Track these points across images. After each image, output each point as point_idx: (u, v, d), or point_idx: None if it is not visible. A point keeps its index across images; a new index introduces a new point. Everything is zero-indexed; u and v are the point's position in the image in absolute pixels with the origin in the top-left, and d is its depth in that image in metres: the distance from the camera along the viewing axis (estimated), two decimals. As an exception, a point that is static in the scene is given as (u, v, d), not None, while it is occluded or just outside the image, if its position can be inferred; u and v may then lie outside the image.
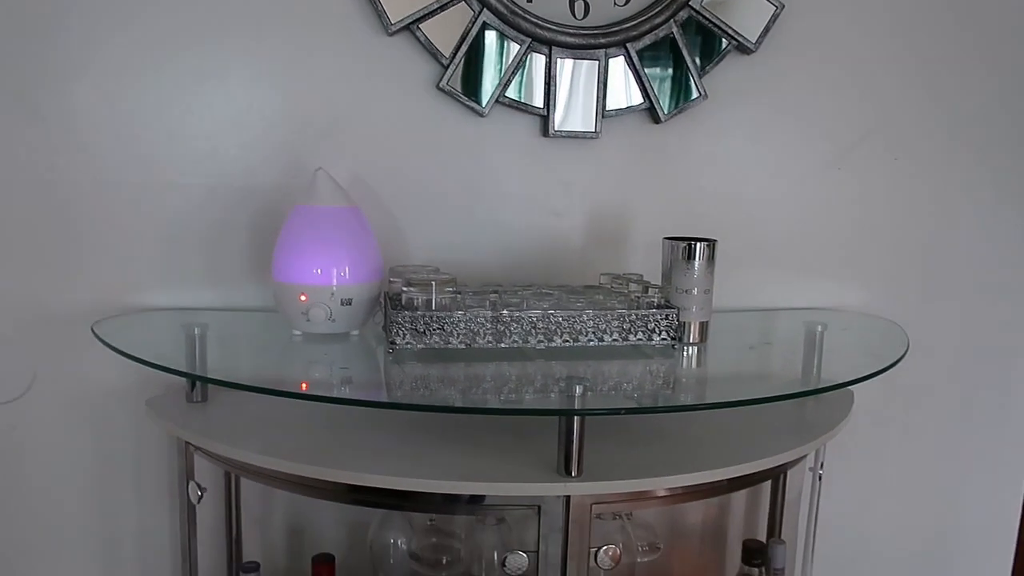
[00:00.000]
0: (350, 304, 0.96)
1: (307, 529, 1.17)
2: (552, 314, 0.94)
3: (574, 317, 0.94)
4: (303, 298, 0.95)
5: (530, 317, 0.93)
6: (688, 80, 1.19)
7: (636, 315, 0.96)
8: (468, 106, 1.13)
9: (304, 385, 0.90)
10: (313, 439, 0.88)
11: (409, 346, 0.91)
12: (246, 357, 0.98)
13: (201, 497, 0.99)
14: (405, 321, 0.90)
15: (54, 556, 1.15)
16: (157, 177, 1.09)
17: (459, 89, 1.13)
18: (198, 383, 0.97)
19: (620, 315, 0.96)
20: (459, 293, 0.96)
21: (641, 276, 1.09)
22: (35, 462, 1.12)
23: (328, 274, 0.95)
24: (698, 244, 1.01)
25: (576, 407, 0.78)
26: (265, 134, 1.11)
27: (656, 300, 0.99)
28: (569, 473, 0.80)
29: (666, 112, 1.19)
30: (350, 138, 1.13)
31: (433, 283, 0.93)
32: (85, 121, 1.06)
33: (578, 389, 0.79)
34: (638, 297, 1.01)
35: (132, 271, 1.11)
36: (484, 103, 1.13)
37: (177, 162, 1.09)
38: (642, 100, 1.18)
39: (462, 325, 0.92)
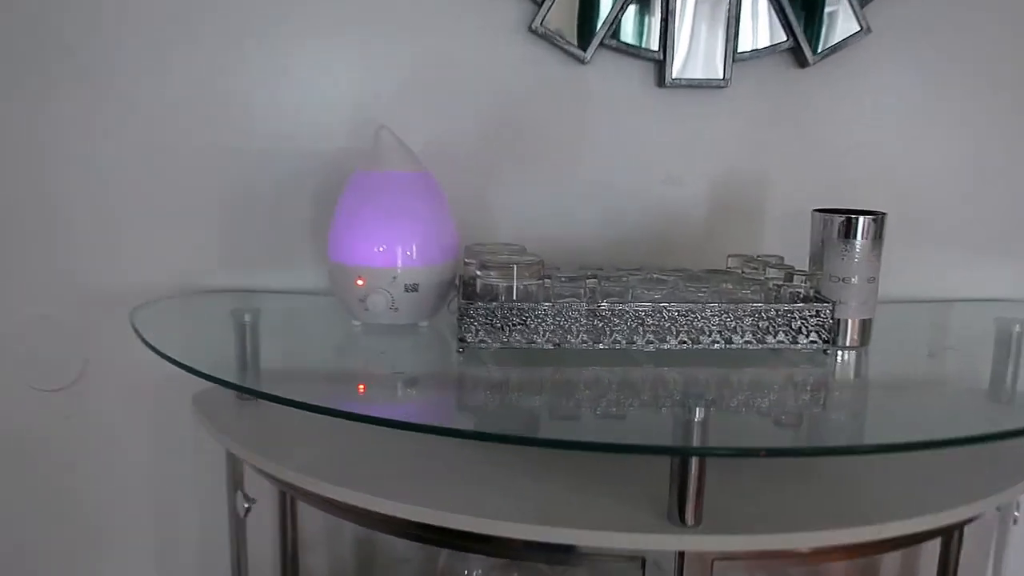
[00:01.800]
0: (416, 290, 0.79)
1: (375, 543, 1.03)
2: (666, 308, 0.73)
3: (694, 312, 0.74)
4: (360, 282, 0.79)
5: (636, 311, 0.73)
6: (845, 10, 0.94)
7: (776, 311, 0.74)
8: (567, 51, 0.93)
9: (361, 388, 0.75)
10: (372, 455, 0.72)
11: (484, 345, 0.73)
12: (295, 352, 0.83)
13: (248, 510, 0.86)
14: (478, 313, 0.73)
15: (107, 551, 1.06)
16: (215, 141, 0.96)
17: (556, 30, 0.93)
18: (247, 375, 0.83)
19: (755, 310, 0.74)
20: (547, 279, 0.77)
21: (782, 259, 0.86)
22: (89, 454, 1.03)
23: (390, 254, 0.79)
24: (860, 219, 0.77)
25: (695, 440, 0.58)
26: (331, 89, 0.95)
27: (803, 291, 0.77)
28: (684, 521, 0.60)
29: (815, 52, 0.94)
30: (426, 93, 0.96)
31: (515, 266, 0.74)
32: (135, 81, 0.94)
33: (699, 412, 0.59)
34: (778, 286, 0.79)
35: (188, 248, 0.98)
36: (587, 47, 0.93)
37: (236, 124, 0.96)
38: (784, 38, 0.94)
39: (549, 320, 0.73)
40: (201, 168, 0.97)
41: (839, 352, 0.79)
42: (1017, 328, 0.82)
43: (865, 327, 0.79)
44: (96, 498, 1.04)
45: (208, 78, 0.94)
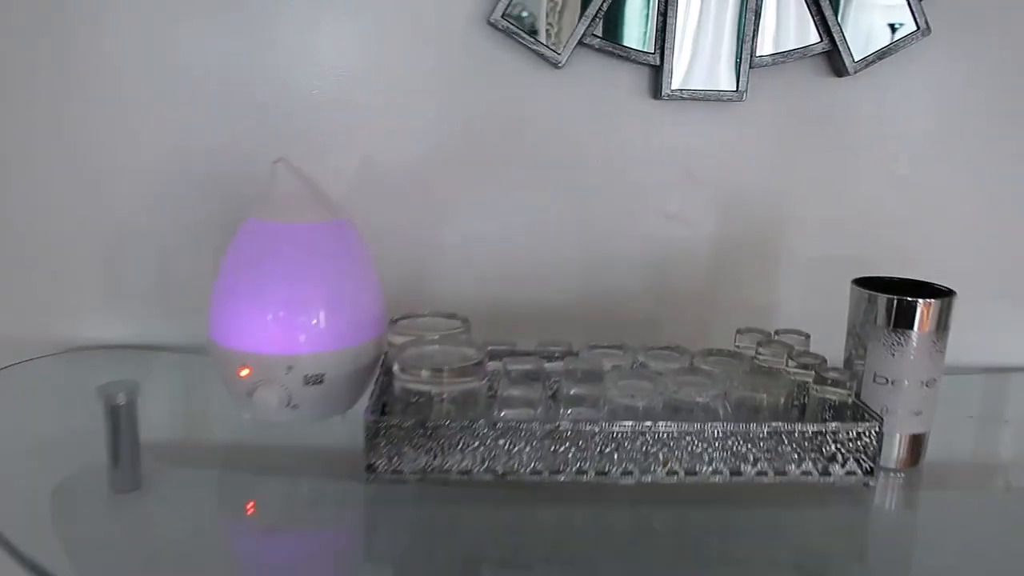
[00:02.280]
0: (321, 383, 0.60)
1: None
2: (649, 429, 0.54)
3: (689, 435, 0.54)
4: (244, 373, 0.59)
5: (611, 431, 0.54)
6: (897, 4, 0.72)
7: (801, 432, 0.54)
8: (535, 51, 0.72)
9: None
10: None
11: (396, 476, 0.54)
12: (172, 447, 0.64)
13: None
14: (391, 431, 0.53)
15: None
16: (94, 167, 0.76)
17: (520, 25, 0.72)
18: (120, 464, 0.63)
19: (773, 432, 0.54)
20: (485, 379, 0.57)
21: (807, 338, 0.66)
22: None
23: (285, 336, 0.59)
24: (919, 304, 0.57)
25: None
26: (232, 100, 0.75)
27: (839, 397, 0.57)
28: None
29: (857, 58, 0.73)
30: (350, 106, 0.75)
31: (444, 370, 0.54)
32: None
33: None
34: (803, 387, 0.59)
35: (65, 292, 0.79)
36: (562, 46, 0.72)
37: (118, 143, 0.75)
38: (818, 39, 0.73)
39: (491, 441, 0.53)
40: (78, 194, 0.76)
41: (885, 477, 0.59)
42: None
43: (919, 442, 0.60)
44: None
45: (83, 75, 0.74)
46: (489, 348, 0.65)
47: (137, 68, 0.74)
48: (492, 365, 0.63)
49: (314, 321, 0.59)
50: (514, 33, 0.72)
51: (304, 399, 0.60)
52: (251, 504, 0.57)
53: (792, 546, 0.53)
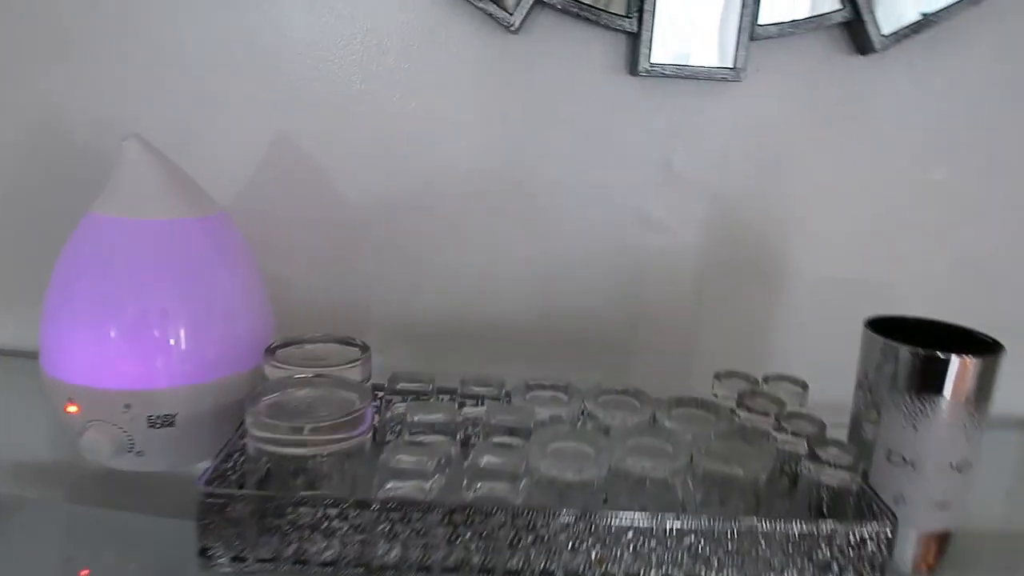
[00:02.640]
0: (172, 424, 0.46)
1: None
2: (578, 519, 0.40)
3: (633, 531, 0.40)
4: (72, 409, 0.46)
5: (528, 520, 0.40)
6: (945, -37, 0.57)
7: (783, 534, 0.40)
8: (484, 11, 0.58)
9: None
10: None
11: (240, 562, 0.40)
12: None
13: None
14: (233, 509, 0.39)
15: None
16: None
17: (464, -23, 0.57)
18: None
19: (747, 531, 0.40)
20: (367, 435, 0.43)
21: (803, 387, 0.52)
22: None
23: (124, 365, 0.45)
24: (952, 362, 0.42)
25: None
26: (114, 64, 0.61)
27: (839, 483, 0.42)
28: None
29: (886, 32, 0.58)
30: (261, 69, 0.61)
31: (304, 427, 0.40)
32: None
33: None
34: (794, 461, 0.45)
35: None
36: (514, 6, 0.57)
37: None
38: (838, 5, 0.58)
39: (368, 525, 0.40)
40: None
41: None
42: None
43: (943, 545, 0.45)
44: None
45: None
46: (399, 385, 0.52)
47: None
48: (399, 407, 0.50)
49: (165, 347, 0.46)
50: (456, -13, 0.57)
51: (150, 445, 0.47)
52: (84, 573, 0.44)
53: None
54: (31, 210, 0.64)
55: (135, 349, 0.46)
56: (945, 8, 0.58)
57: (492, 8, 0.58)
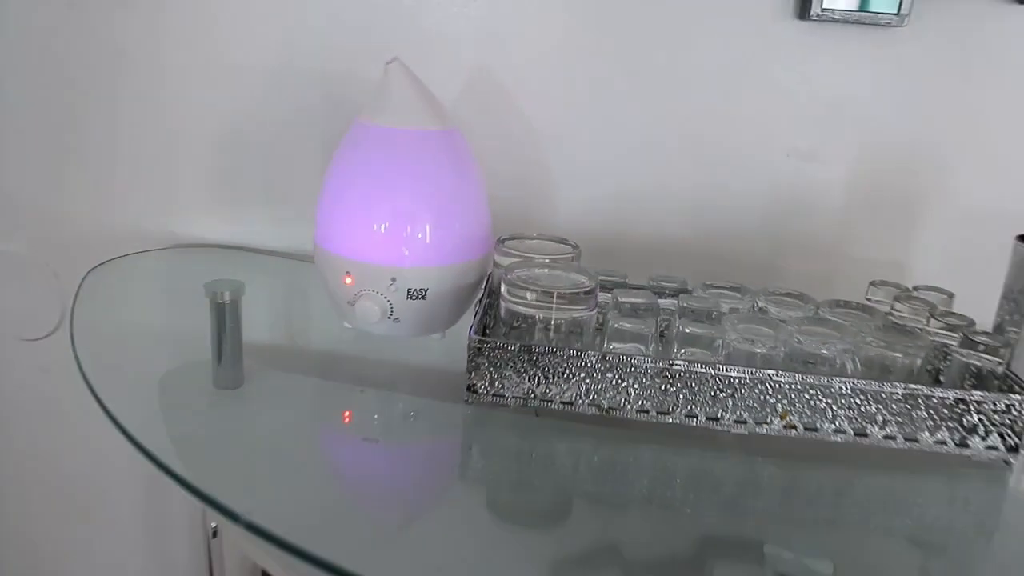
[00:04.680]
0: (423, 297, 0.58)
1: None
2: (769, 379, 0.49)
3: (813, 388, 0.49)
4: (348, 281, 0.58)
5: (728, 376, 0.50)
6: (1110, -81, 0.62)
7: (941, 398, 0.49)
8: (673, -40, 0.66)
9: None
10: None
11: (499, 400, 0.52)
12: (275, 350, 0.64)
13: (216, 531, 0.70)
14: (496, 356, 0.51)
15: (90, 517, 0.94)
16: (209, 62, 0.75)
17: (660, -72, 0.65)
18: (223, 362, 0.63)
19: (909, 394, 0.49)
20: (595, 309, 0.53)
21: (950, 297, 0.60)
22: (68, 411, 0.89)
23: (391, 246, 0.57)
24: (1101, 266, 0.50)
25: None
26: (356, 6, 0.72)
27: (989, 365, 0.51)
28: None
29: (1048, -18, 0.63)
30: (459, 16, 0.71)
31: (555, 293, 0.51)
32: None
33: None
34: (943, 351, 0.53)
35: (179, 189, 0.79)
36: (702, -45, 0.65)
37: (231, 40, 0.74)
38: (1003, -43, 0.64)
39: (598, 374, 0.50)
40: (194, 93, 0.76)
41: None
42: None
43: (1074, 423, 0.53)
44: (76, 462, 0.91)
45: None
46: (600, 277, 0.62)
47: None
48: (602, 296, 0.60)
49: (420, 235, 0.57)
50: (652, -63, 0.65)
51: (405, 313, 0.58)
52: (347, 413, 0.57)
53: (913, 518, 0.49)
54: (289, 125, 0.76)
55: (400, 235, 0.57)
56: (1106, -39, 0.63)
57: (683, -43, 0.66)
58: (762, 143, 0.72)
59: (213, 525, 0.71)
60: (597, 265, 0.64)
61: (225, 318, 0.62)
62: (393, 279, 0.57)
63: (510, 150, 0.74)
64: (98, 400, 0.52)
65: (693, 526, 0.45)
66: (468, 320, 0.59)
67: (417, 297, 0.58)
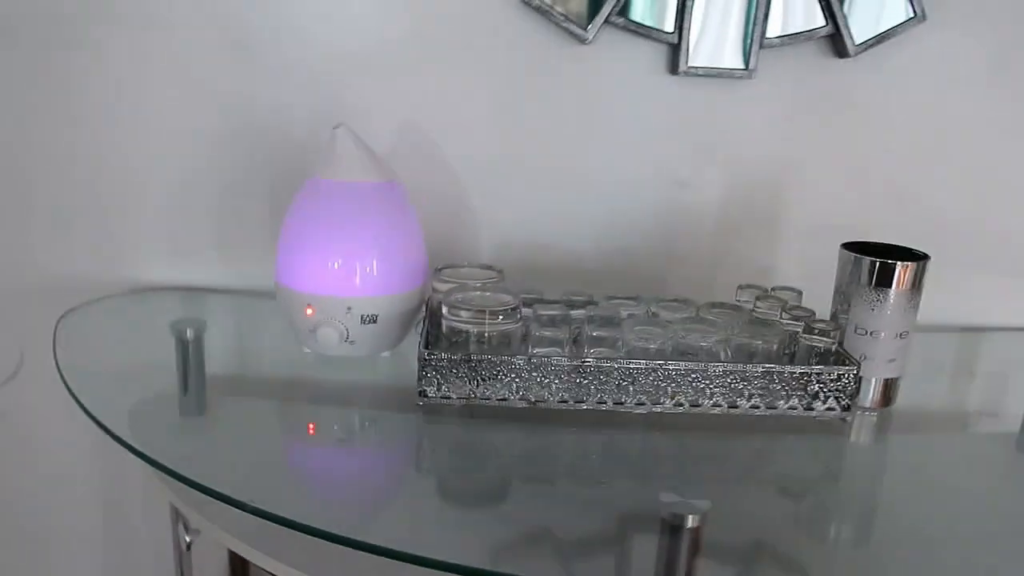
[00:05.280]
0: (375, 322, 0.69)
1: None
2: (660, 368, 0.63)
3: (695, 373, 0.63)
4: (309, 312, 0.68)
5: (628, 368, 0.63)
6: (898, -7, 0.79)
7: (790, 373, 0.63)
8: (564, 28, 0.79)
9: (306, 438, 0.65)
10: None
11: (447, 400, 0.63)
12: (239, 380, 0.73)
13: (190, 544, 0.78)
14: (441, 365, 0.62)
15: (48, 558, 0.99)
16: (165, 121, 0.83)
17: (552, 3, 0.79)
18: (189, 392, 0.72)
19: (766, 372, 0.63)
20: (519, 322, 0.65)
21: (799, 294, 0.75)
22: (27, 456, 0.95)
23: (345, 281, 0.68)
24: (896, 266, 0.65)
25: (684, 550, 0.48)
26: (293, 65, 0.82)
27: (824, 345, 0.66)
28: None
29: (858, 41, 0.80)
30: (400, 69, 0.82)
31: (486, 312, 0.63)
32: (74, 54, 0.81)
33: (690, 520, 0.49)
34: (794, 335, 0.68)
35: (134, 237, 0.87)
36: (588, 25, 0.79)
37: (186, 101, 0.83)
38: (823, 23, 0.80)
39: (525, 374, 0.62)
40: (152, 151, 0.84)
41: (860, 415, 0.69)
42: None
43: (892, 386, 0.69)
44: (35, 504, 0.96)
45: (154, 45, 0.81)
46: (522, 296, 0.74)
47: (193, 31, 0.81)
48: (524, 311, 0.72)
49: (369, 269, 0.68)
50: (546, 11, 0.79)
51: (360, 336, 0.69)
52: (311, 425, 0.67)
53: (777, 469, 0.63)
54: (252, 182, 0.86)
55: (353, 270, 0.68)
56: (900, 24, 0.80)
57: (573, 27, 0.79)
58: (650, 175, 0.86)
59: (187, 539, 0.79)
60: (519, 285, 0.76)
61: (189, 353, 0.72)
62: (349, 308, 0.68)
63: (441, 193, 0.86)
64: (88, 413, 0.60)
65: (608, 490, 0.57)
66: (412, 338, 0.70)
67: (369, 322, 0.69)
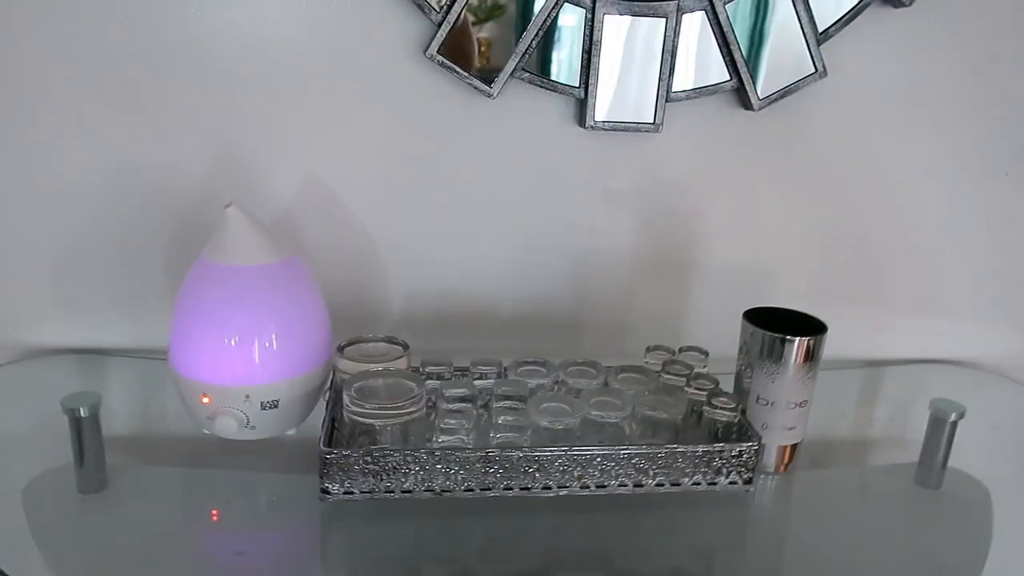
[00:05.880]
0: (276, 407, 0.67)
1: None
2: (566, 453, 0.63)
3: (599, 457, 0.63)
4: (205, 400, 0.66)
5: (533, 455, 0.62)
6: (799, 48, 0.79)
7: (692, 453, 0.64)
8: (469, 84, 0.77)
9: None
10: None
11: (350, 496, 0.62)
12: (131, 454, 0.70)
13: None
14: (341, 461, 0.61)
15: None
16: (51, 181, 0.78)
17: (454, 59, 0.76)
18: (86, 467, 0.69)
19: (670, 452, 0.64)
20: (422, 409, 0.64)
21: (705, 355, 0.76)
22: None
23: (242, 369, 0.65)
24: (794, 341, 0.66)
25: None
26: (186, 120, 0.78)
27: (727, 419, 0.67)
28: None
29: (762, 96, 0.80)
30: (298, 127, 0.79)
31: (388, 407, 0.62)
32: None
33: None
34: (699, 406, 0.69)
35: (21, 295, 0.82)
36: (493, 80, 0.77)
37: (73, 158, 0.78)
38: (728, 76, 0.80)
39: (429, 466, 0.62)
40: (42, 209, 0.79)
41: (764, 480, 0.70)
42: (952, 417, 0.75)
43: (792, 451, 0.71)
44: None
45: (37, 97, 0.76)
46: (428, 369, 0.73)
47: (77, 88, 0.76)
48: (431, 383, 0.71)
49: (267, 354, 0.65)
50: (449, 67, 0.76)
51: (261, 421, 0.67)
52: (215, 511, 0.65)
53: (686, 540, 0.64)
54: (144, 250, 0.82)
55: (249, 356, 0.65)
56: (801, 79, 0.80)
57: (477, 83, 0.77)
58: (562, 224, 0.86)
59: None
60: (430, 345, 0.75)
61: (83, 429, 0.68)
62: (247, 395, 0.65)
63: (348, 247, 0.83)
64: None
65: (515, 570, 0.57)
66: (319, 411, 0.68)
67: (270, 407, 0.67)
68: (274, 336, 0.66)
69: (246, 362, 0.65)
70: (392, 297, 0.86)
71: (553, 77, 0.78)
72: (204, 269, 0.66)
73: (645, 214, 0.86)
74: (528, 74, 0.78)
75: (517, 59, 0.76)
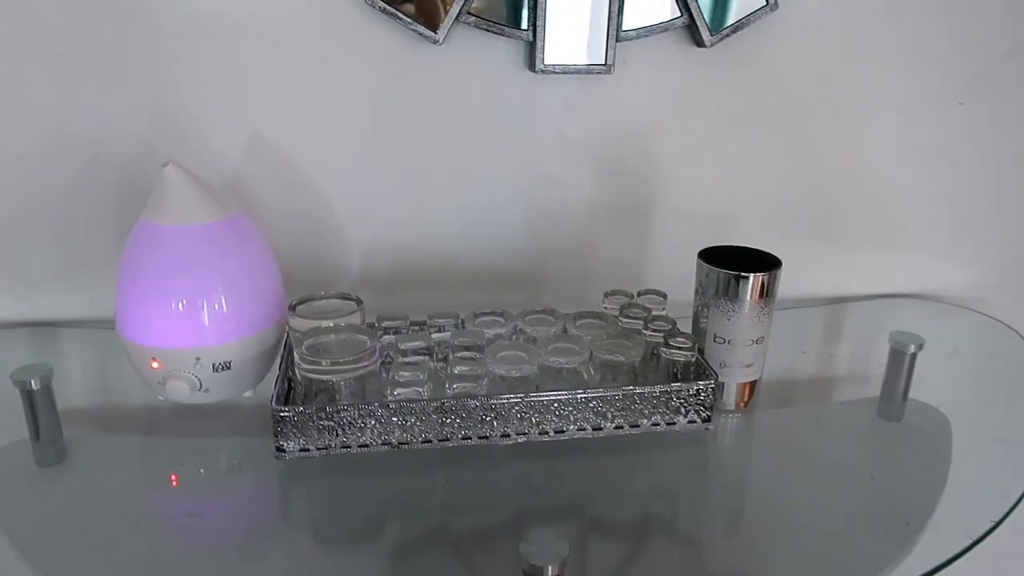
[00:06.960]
0: (229, 368, 0.65)
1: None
2: (522, 400, 0.62)
3: (557, 403, 0.63)
4: (155, 365, 0.64)
5: (490, 404, 0.62)
6: (751, -20, 0.78)
7: (650, 393, 0.64)
8: (415, 31, 0.75)
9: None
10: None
11: (305, 454, 0.61)
12: (87, 419, 0.69)
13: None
14: (295, 420, 0.60)
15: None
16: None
17: (397, 5, 0.74)
18: (42, 441, 0.68)
19: (627, 394, 0.64)
20: (376, 363, 0.64)
21: (664, 298, 0.75)
22: None
23: (191, 330, 0.64)
24: (749, 278, 0.66)
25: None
26: (122, 79, 0.75)
27: (684, 358, 0.66)
28: None
29: (713, 31, 0.79)
30: (239, 83, 0.77)
31: (341, 362, 0.61)
32: None
33: (550, 570, 0.50)
34: (657, 348, 0.68)
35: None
36: (438, 27, 0.75)
37: (8, 124, 0.75)
38: (678, 13, 0.78)
39: (385, 419, 0.61)
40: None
41: (723, 419, 0.71)
42: (911, 349, 0.75)
43: (751, 388, 0.71)
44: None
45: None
46: (384, 323, 0.72)
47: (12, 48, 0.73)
48: (387, 338, 0.70)
49: (217, 314, 0.64)
50: (391, 13, 0.74)
51: (214, 384, 0.66)
52: (174, 476, 0.64)
53: (647, 483, 0.64)
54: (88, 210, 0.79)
55: (198, 318, 0.64)
56: (752, 12, 0.79)
57: (423, 29, 0.75)
58: (517, 173, 0.84)
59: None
60: (384, 302, 0.74)
61: (36, 402, 0.67)
62: (198, 358, 0.64)
63: (299, 206, 0.81)
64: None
65: (479, 520, 0.57)
66: (272, 373, 0.67)
67: (223, 369, 0.65)
68: (222, 296, 0.64)
69: (194, 324, 0.64)
70: (349, 255, 0.84)
71: (499, 20, 0.76)
72: (144, 231, 0.64)
73: (601, 159, 0.85)
74: (475, 18, 0.75)
75: (462, 2, 0.74)
